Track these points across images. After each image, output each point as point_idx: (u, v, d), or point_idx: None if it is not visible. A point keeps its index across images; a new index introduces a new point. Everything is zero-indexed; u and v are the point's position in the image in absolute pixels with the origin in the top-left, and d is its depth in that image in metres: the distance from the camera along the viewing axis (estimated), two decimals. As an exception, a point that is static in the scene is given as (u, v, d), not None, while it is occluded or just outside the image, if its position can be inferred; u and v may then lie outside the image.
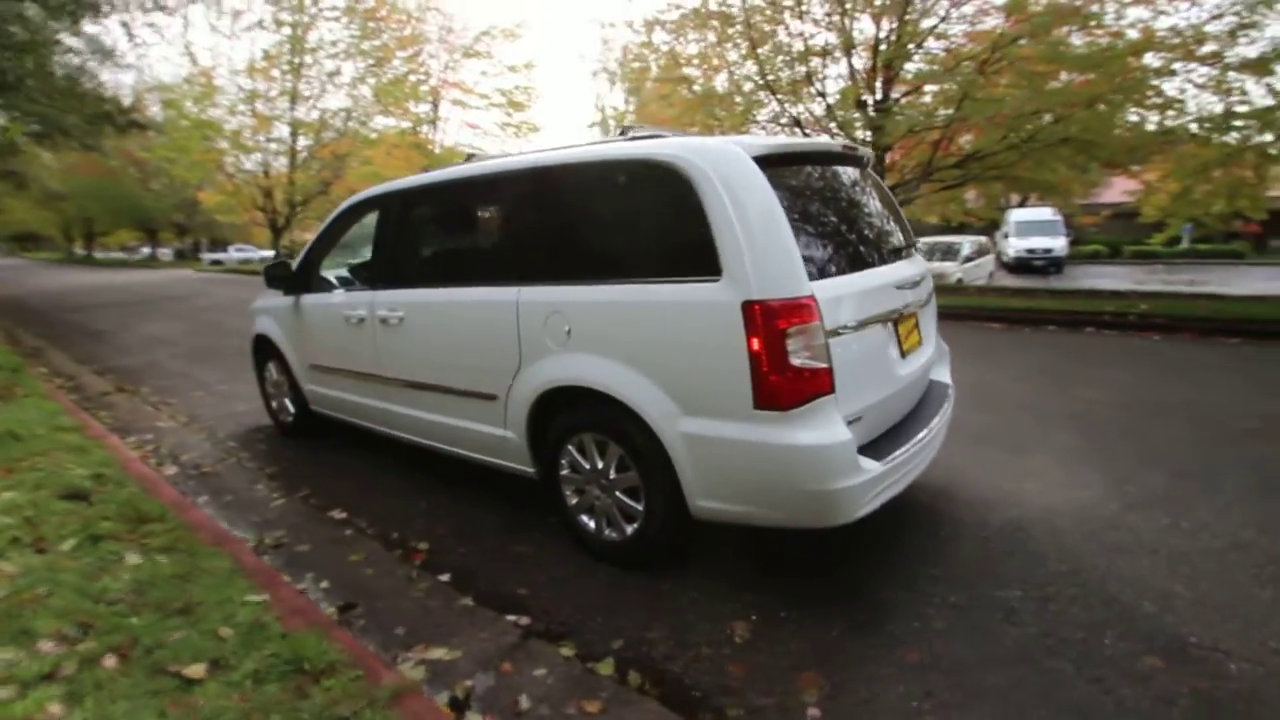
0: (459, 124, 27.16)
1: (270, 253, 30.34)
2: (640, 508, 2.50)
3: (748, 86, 11.43)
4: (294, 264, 4.02)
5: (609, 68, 34.94)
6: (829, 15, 10.51)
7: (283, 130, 22.74)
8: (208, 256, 36.04)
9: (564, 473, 2.74)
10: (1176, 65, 8.97)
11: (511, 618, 2.32)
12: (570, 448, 2.67)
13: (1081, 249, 23.46)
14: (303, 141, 22.60)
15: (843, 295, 2.23)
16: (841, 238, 2.44)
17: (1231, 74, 8.65)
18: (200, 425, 4.88)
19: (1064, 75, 9.96)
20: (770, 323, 2.06)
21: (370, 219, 3.82)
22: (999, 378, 5.35)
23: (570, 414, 2.63)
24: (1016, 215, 20.13)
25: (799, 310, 2.07)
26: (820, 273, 2.21)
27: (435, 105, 21.14)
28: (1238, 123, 8.79)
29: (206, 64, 20.87)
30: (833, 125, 11.03)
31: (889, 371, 2.47)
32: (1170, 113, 9.50)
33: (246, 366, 6.85)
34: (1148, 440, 3.80)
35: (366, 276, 3.68)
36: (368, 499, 3.43)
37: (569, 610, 2.38)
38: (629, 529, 2.56)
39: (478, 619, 2.31)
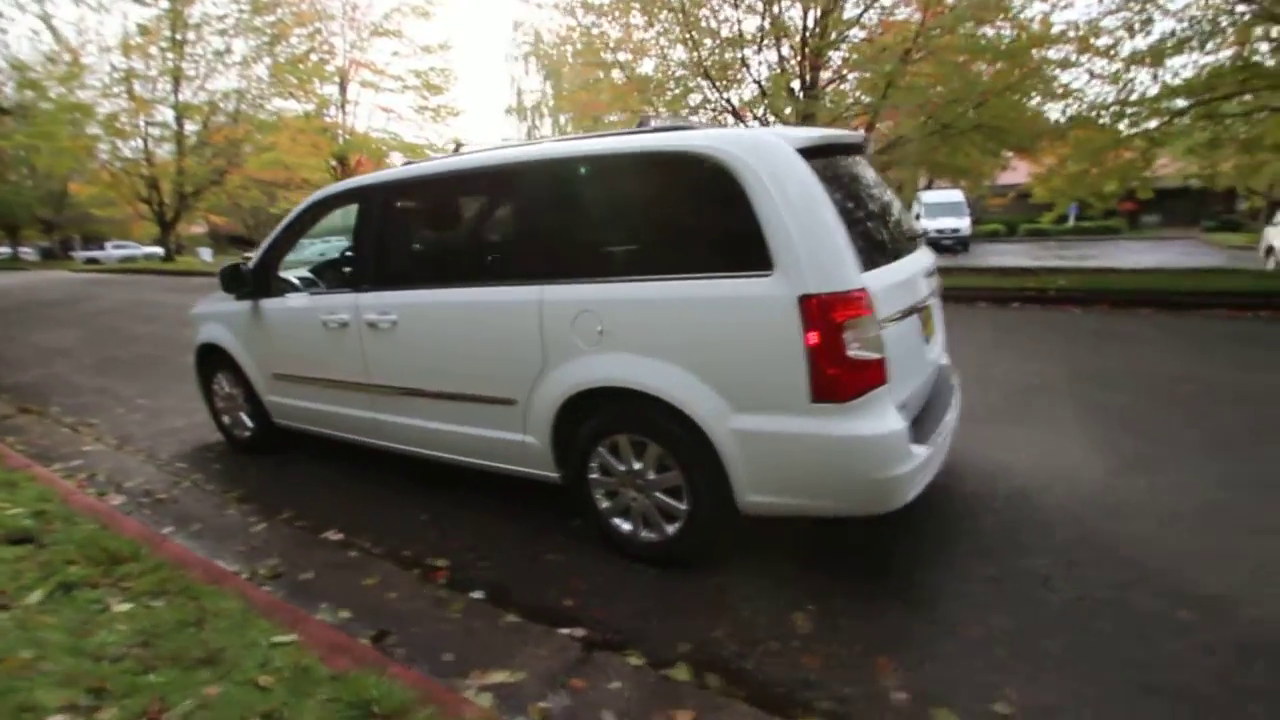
0: (371, 108, 25.61)
1: (156, 249, 27.59)
2: (684, 506, 2.45)
3: (680, 72, 11.42)
4: (249, 265, 3.65)
5: (525, 51, 34.08)
6: (762, 1, 10.65)
7: (167, 114, 20.68)
8: (81, 254, 32.34)
9: (594, 476, 2.65)
10: (1077, 57, 9.75)
11: (565, 631, 2.23)
12: (602, 450, 2.58)
13: (982, 228, 25.24)
14: (190, 126, 20.65)
15: (886, 285, 2.26)
16: (873, 228, 2.47)
17: (1121, 65, 9.50)
18: (135, 446, 4.38)
19: (976, 66, 10.61)
20: (827, 316, 2.06)
21: (339, 215, 3.54)
22: (954, 353, 5.66)
23: (603, 416, 2.54)
24: (926, 197, 21.35)
25: (854, 302, 2.08)
26: (865, 264, 2.23)
27: (343, 87, 19.81)
28: (1130, 110, 9.67)
29: (72, 40, 18.62)
30: (764, 112, 11.22)
31: (921, 358, 2.54)
32: (1069, 101, 10.35)
33: (167, 376, 6.28)
34: (1106, 408, 4.14)
35: (346, 277, 3.40)
36: (361, 515, 3.19)
37: (623, 617, 2.31)
38: (670, 528, 2.52)
39: (530, 636, 2.21)
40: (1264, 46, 8.84)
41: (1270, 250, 12.44)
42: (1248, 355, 5.49)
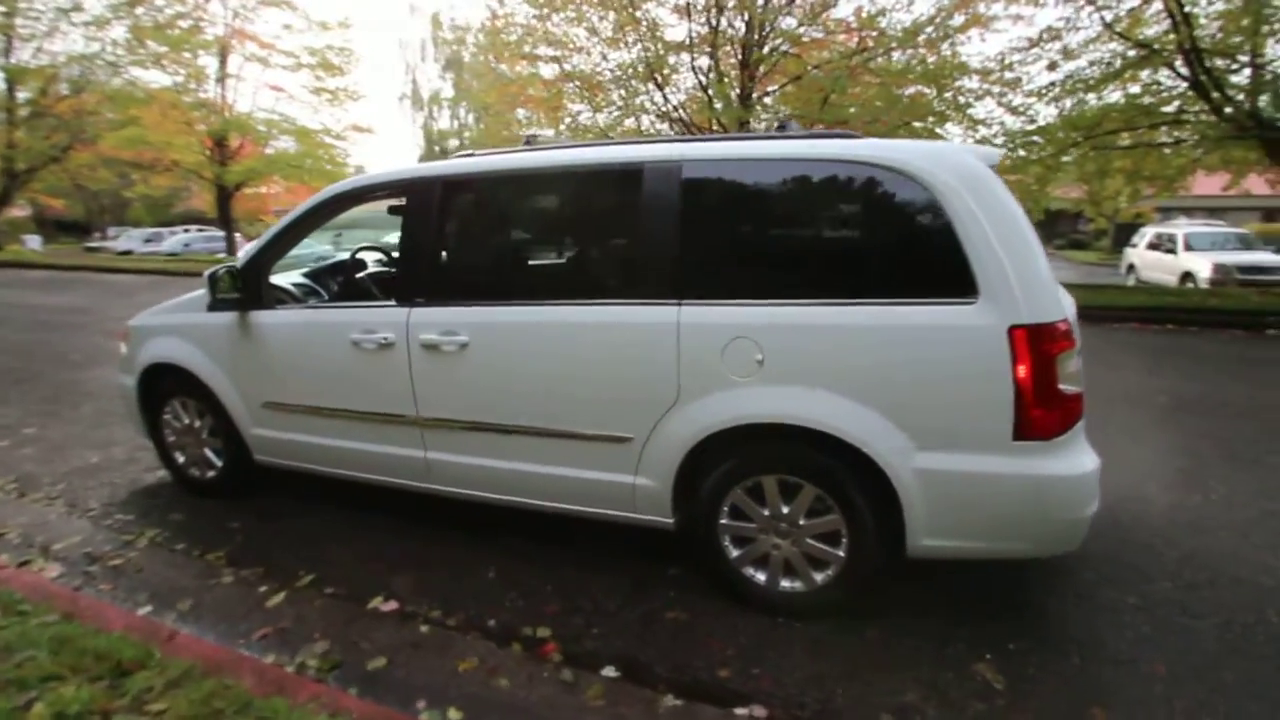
0: (258, 86, 22.73)
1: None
2: (841, 553, 2.22)
3: (618, 73, 11.15)
4: (236, 269, 2.95)
5: (422, 37, 32.26)
6: (706, 9, 10.62)
7: (-10, 77, 17.37)
8: None
9: (724, 521, 2.34)
10: (989, 89, 10.59)
11: (743, 711, 1.92)
12: (739, 492, 2.29)
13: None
14: (25, 94, 17.44)
15: (1069, 314, 2.15)
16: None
17: (1025, 99, 10.47)
18: (47, 495, 3.46)
19: (901, 89, 11.25)
20: (1039, 348, 1.91)
21: (359, 213, 2.96)
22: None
23: (744, 455, 2.24)
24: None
25: (1064, 333, 1.94)
26: (1050, 290, 2.10)
27: (223, 60, 17.54)
28: (1032, 140, 10.66)
29: None
30: (693, 119, 11.19)
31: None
32: (981, 128, 11.24)
33: (48, 396, 5.27)
34: (1123, 421, 4.39)
35: (390, 288, 2.83)
36: (408, 576, 2.65)
37: (796, 686, 2.03)
38: (819, 577, 2.27)
39: (704, 721, 1.87)
40: (1137, 89, 10.07)
41: (1131, 268, 14.26)
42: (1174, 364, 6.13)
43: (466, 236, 2.72)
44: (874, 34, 10.48)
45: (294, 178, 17.82)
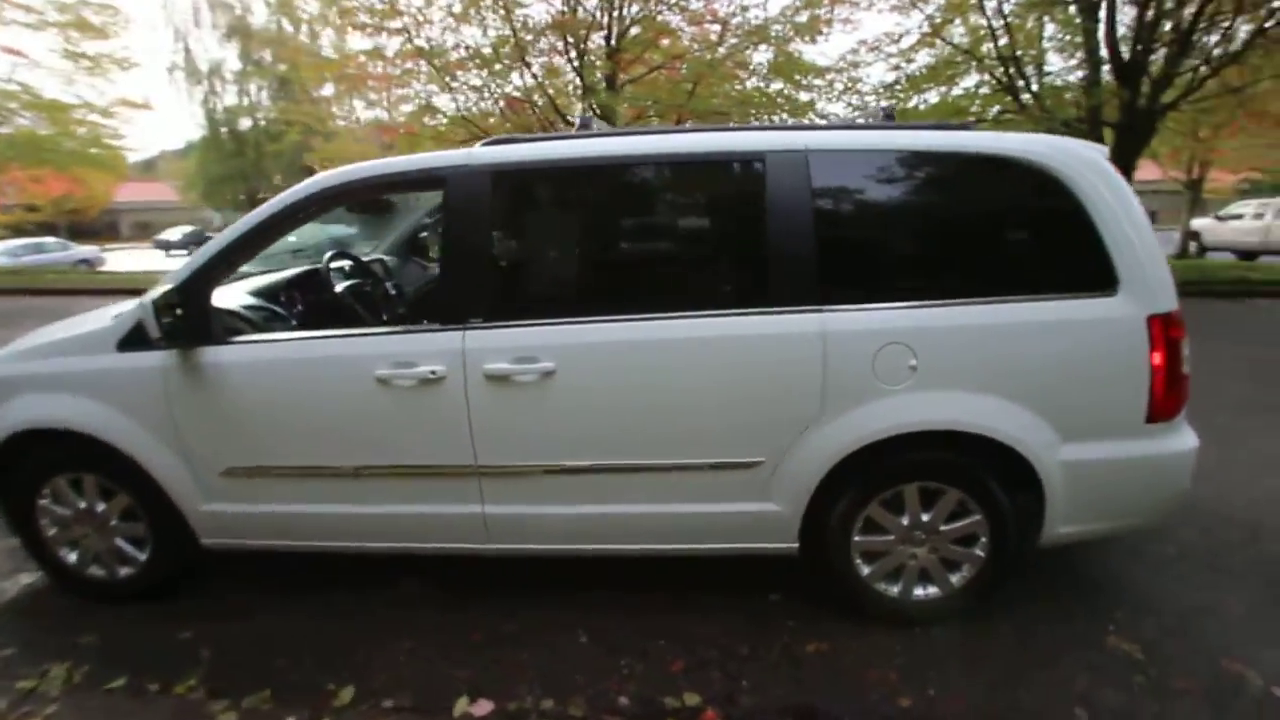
0: None
1: None
2: (979, 552, 2.19)
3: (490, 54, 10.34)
4: (172, 293, 2.14)
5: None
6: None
7: None
8: None
9: (857, 538, 2.20)
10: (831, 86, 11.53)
11: (954, 744, 1.81)
12: (876, 505, 2.16)
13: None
14: None
15: None
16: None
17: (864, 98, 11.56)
18: None
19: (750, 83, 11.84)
20: (1169, 334, 2.01)
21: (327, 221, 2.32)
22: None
23: (887, 467, 2.11)
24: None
25: (1181, 318, 2.06)
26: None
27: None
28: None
29: None
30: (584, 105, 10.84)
31: None
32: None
33: None
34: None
35: (425, 307, 2.23)
36: (476, 660, 2.15)
37: (980, 698, 1.95)
38: (955, 580, 2.23)
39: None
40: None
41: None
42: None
43: (538, 238, 2.24)
44: (726, 28, 10.84)
45: (52, 163, 14.10)
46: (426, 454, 2.17)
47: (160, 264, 20.38)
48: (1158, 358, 2.00)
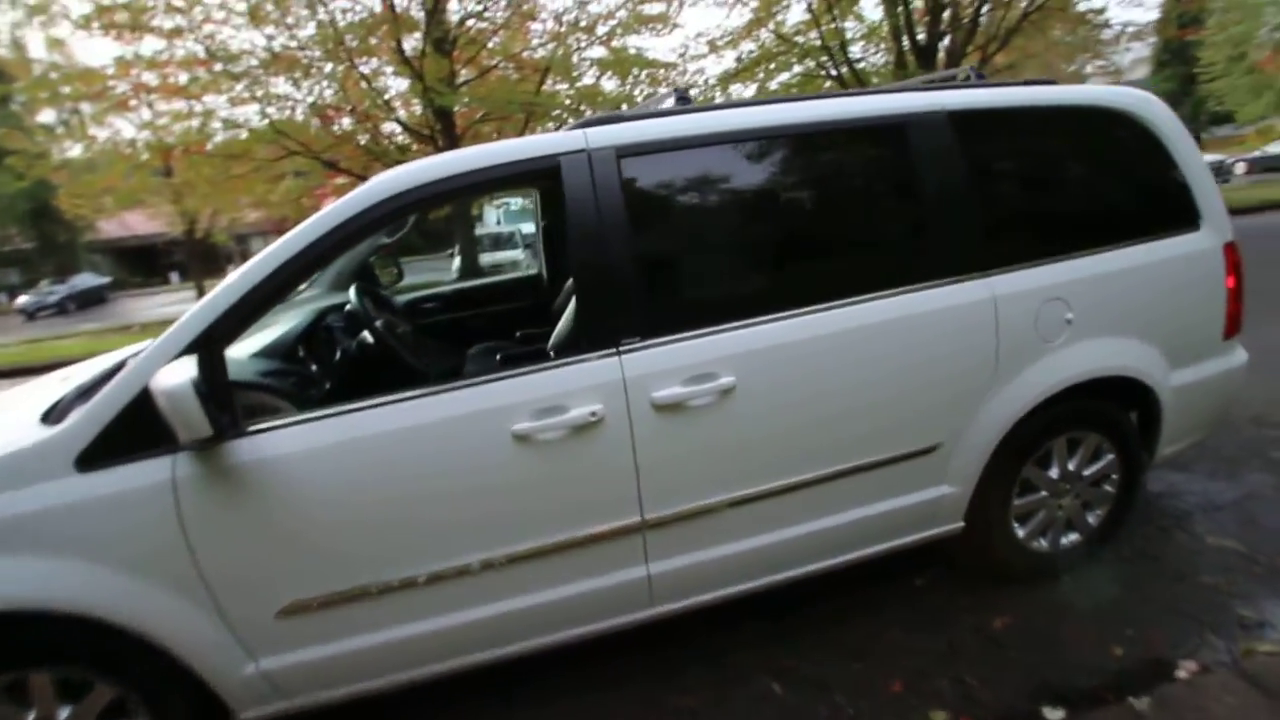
0: None
1: None
2: (1110, 489, 2.28)
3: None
4: (185, 370, 1.42)
5: None
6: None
7: None
8: None
9: (1016, 502, 2.17)
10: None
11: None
12: (1030, 465, 2.15)
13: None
14: None
15: None
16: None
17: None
18: None
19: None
20: (1234, 257, 2.23)
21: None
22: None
23: (1043, 424, 2.10)
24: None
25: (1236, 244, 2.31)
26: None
27: None
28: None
29: None
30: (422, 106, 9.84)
31: None
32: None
33: None
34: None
35: (569, 334, 1.71)
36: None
37: (1198, 643, 1.94)
38: (1090, 520, 2.30)
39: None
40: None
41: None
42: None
43: (688, 230, 1.83)
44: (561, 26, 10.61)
45: None
46: (577, 520, 1.72)
47: None
48: (1231, 281, 2.22)
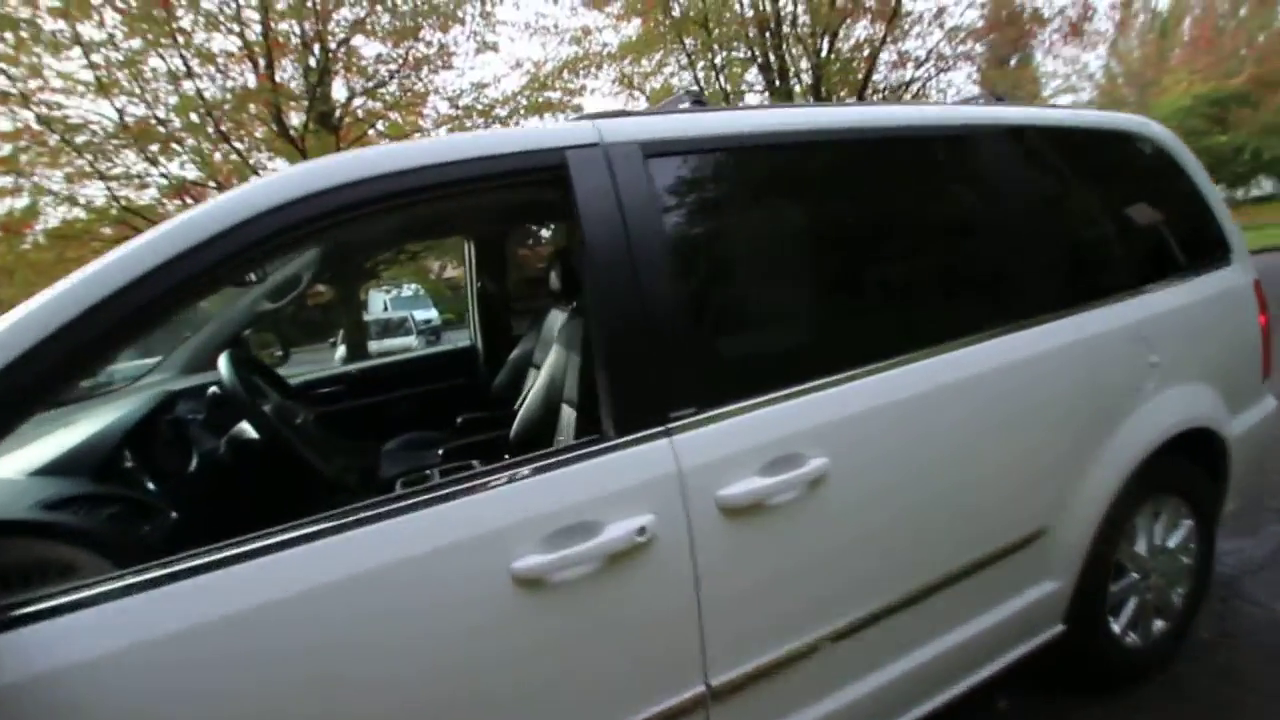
0: None
1: None
2: (1189, 560, 1.95)
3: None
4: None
5: None
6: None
7: None
8: None
9: (1112, 588, 1.78)
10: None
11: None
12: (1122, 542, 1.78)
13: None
14: None
15: None
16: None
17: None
18: None
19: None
20: (1262, 294, 2.10)
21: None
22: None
23: (1135, 490, 1.74)
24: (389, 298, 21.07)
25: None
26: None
27: None
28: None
29: None
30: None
31: None
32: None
33: None
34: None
35: (611, 405, 1.09)
36: None
37: None
38: (1175, 600, 1.95)
39: None
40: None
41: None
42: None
43: (745, 253, 1.32)
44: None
45: None
46: (607, 705, 1.08)
47: None
48: (1263, 318, 2.07)
